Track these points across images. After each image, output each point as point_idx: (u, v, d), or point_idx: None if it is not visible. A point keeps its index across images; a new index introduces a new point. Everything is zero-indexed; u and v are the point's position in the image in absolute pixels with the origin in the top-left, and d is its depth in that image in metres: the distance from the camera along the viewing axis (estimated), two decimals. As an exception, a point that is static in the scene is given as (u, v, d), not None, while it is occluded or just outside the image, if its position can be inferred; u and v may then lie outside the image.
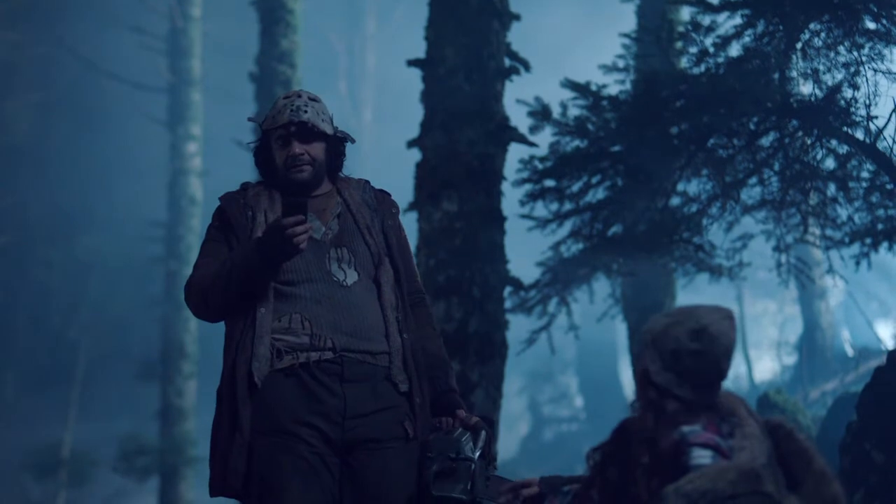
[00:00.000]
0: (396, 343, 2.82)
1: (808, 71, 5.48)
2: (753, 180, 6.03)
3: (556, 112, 6.22)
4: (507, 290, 6.55)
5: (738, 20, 5.52)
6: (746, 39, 5.57)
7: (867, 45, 5.22)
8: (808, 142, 5.66)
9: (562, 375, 27.54)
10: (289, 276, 2.78)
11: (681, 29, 6.38)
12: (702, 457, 2.35)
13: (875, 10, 5.08)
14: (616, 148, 6.17)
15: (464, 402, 2.98)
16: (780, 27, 5.42)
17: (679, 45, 6.40)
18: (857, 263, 6.14)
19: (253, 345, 2.70)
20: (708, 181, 6.16)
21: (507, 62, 6.67)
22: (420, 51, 6.70)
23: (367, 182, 3.09)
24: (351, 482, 2.68)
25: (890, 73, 5.18)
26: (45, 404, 19.31)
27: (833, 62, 5.35)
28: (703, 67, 5.75)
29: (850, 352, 15.99)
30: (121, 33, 19.03)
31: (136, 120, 19.01)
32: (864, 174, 5.73)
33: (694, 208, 6.33)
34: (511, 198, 6.43)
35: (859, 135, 5.35)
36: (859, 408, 4.85)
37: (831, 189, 5.95)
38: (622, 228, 6.68)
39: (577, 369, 26.68)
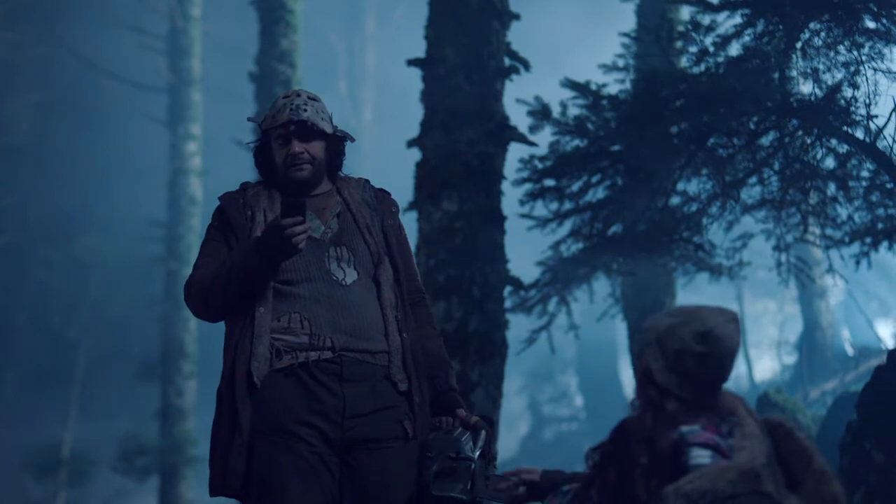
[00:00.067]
0: (396, 342, 2.81)
1: (808, 70, 5.47)
2: (753, 180, 6.02)
3: (555, 111, 6.22)
4: (507, 289, 6.54)
5: (737, 19, 5.52)
6: (746, 39, 5.56)
7: (867, 45, 5.22)
8: (808, 141, 5.66)
9: (562, 375, 27.55)
10: (288, 276, 2.77)
11: (681, 28, 6.39)
12: (701, 456, 2.35)
13: (875, 9, 5.08)
14: (616, 147, 6.17)
15: (464, 401, 2.97)
16: (780, 26, 5.42)
17: (679, 44, 6.41)
18: (857, 263, 6.14)
19: (252, 344, 2.70)
20: (708, 180, 6.15)
21: (507, 62, 6.67)
22: (420, 50, 6.70)
23: (367, 181, 3.08)
24: (351, 482, 2.68)
25: (890, 72, 5.17)
26: (45, 404, 19.31)
27: (833, 61, 5.35)
28: (702, 67, 5.74)
29: (850, 351, 15.99)
30: (121, 33, 19.02)
31: (136, 120, 19.01)
32: (864, 173, 5.73)
33: (694, 208, 6.32)
34: (511, 197, 6.43)
35: (859, 134, 5.34)
36: (859, 407, 4.84)
37: (831, 188, 5.94)
38: (622, 228, 6.67)
39: (577, 369, 26.69)
